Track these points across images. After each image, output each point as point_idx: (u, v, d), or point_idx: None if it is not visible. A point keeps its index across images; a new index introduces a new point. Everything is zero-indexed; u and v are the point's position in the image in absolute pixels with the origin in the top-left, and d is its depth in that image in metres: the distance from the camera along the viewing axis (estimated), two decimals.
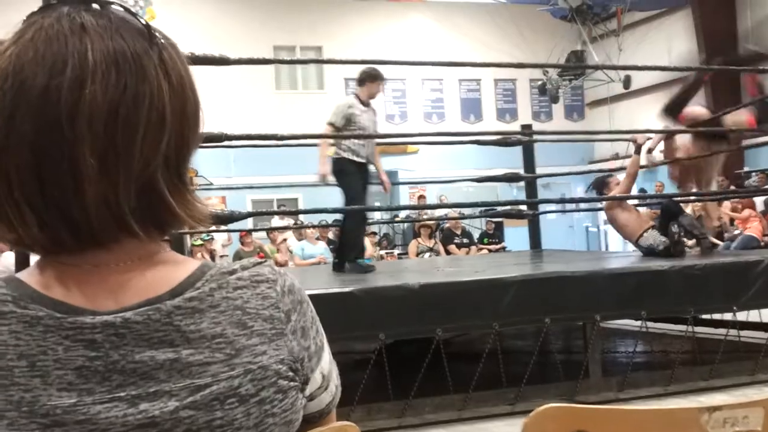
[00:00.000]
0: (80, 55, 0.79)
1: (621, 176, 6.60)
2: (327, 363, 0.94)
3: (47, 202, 0.79)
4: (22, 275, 0.83)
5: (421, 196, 15.74)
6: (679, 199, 6.97)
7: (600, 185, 6.69)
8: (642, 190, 16.50)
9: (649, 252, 6.02)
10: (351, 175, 6.09)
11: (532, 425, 1.03)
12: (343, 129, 6.02)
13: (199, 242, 11.94)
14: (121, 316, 0.80)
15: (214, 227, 10.76)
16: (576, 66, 16.31)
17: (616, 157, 17.87)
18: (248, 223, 13.37)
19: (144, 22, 0.84)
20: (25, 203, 0.79)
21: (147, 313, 0.81)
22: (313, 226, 12.12)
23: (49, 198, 0.79)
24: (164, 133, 0.82)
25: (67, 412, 0.75)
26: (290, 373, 0.86)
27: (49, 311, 0.79)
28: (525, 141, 7.38)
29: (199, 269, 0.87)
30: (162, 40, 0.85)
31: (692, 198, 7.86)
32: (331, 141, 6.16)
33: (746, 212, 11.96)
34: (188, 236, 12.40)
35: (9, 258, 7.91)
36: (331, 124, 6.11)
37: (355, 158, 6.09)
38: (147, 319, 0.80)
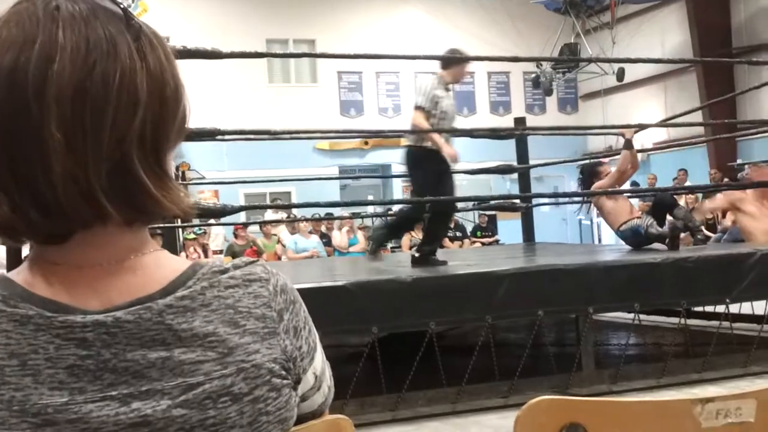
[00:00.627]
0: (50, 34, 0.78)
1: (613, 167, 6.55)
2: (320, 363, 0.94)
3: (17, 182, 0.78)
4: (12, 274, 0.83)
5: None
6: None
7: (589, 173, 6.56)
8: (634, 183, 16.54)
9: (633, 235, 5.92)
10: (430, 165, 5.50)
11: (526, 418, 1.03)
12: (428, 114, 5.50)
13: (192, 236, 11.93)
14: (112, 315, 0.79)
15: (208, 220, 10.76)
16: (569, 59, 16.30)
17: (610, 149, 17.89)
18: (241, 217, 13.35)
19: (122, 6, 0.84)
20: None
21: (138, 311, 0.80)
22: (307, 220, 12.11)
23: (19, 177, 0.78)
24: (137, 113, 0.80)
25: (59, 411, 0.75)
26: (283, 372, 0.86)
27: (39, 310, 0.78)
28: (518, 134, 7.38)
29: (190, 268, 0.86)
30: (141, 26, 0.84)
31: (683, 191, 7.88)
32: (425, 124, 5.47)
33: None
34: (180, 230, 12.43)
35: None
36: (420, 107, 5.50)
37: (434, 146, 5.47)
38: (138, 318, 0.80)
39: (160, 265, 0.86)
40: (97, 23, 0.80)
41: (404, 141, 5.84)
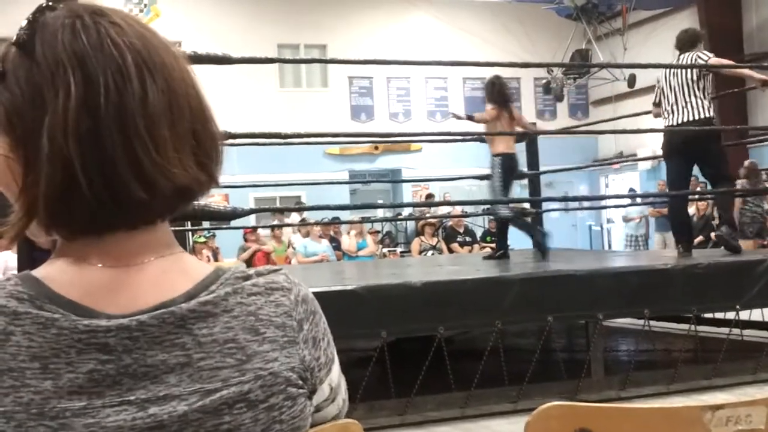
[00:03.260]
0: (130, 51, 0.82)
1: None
2: (336, 376, 0.94)
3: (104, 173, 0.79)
4: (39, 273, 0.83)
5: (429, 195, 15.72)
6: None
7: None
8: (631, 190, 16.50)
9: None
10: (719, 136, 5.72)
11: (535, 423, 1.03)
12: None
13: (202, 239, 11.93)
14: (136, 319, 0.79)
15: (221, 225, 10.77)
16: (581, 64, 16.27)
17: (620, 155, 17.86)
18: (251, 221, 13.37)
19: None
20: (78, 159, 0.78)
21: (162, 315, 0.80)
22: (316, 224, 12.10)
23: (106, 167, 0.79)
24: (191, 125, 0.86)
25: (77, 416, 0.75)
26: (300, 381, 0.86)
27: (65, 313, 0.78)
28: (528, 137, 7.37)
29: (213, 273, 0.87)
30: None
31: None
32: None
33: None
34: (190, 234, 12.44)
35: (7, 257, 7.89)
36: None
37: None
38: (161, 323, 0.80)
39: (184, 269, 0.86)
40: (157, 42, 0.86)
41: (683, 117, 5.78)
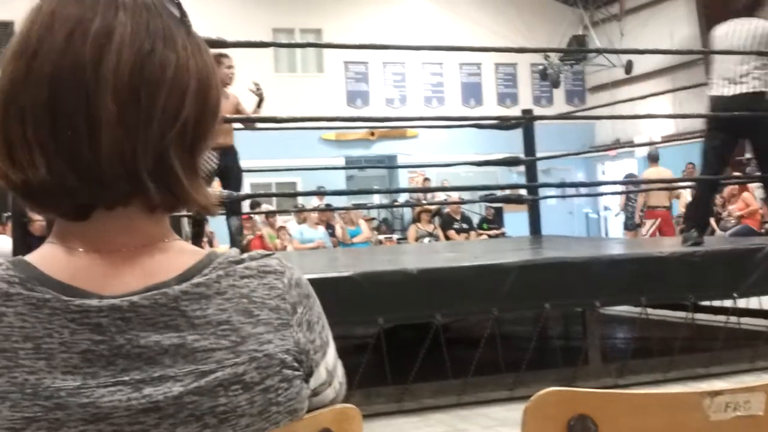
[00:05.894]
0: (111, 13, 0.82)
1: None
2: (332, 359, 0.94)
3: (58, 144, 0.79)
4: (30, 258, 0.83)
5: (426, 179, 15.72)
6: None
7: None
8: (630, 176, 16.48)
9: None
10: None
11: (534, 409, 1.02)
12: None
13: None
14: (128, 300, 0.80)
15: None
16: (577, 50, 16.26)
17: (617, 142, 17.88)
18: (246, 208, 13.34)
19: (177, 2, 0.87)
20: (36, 144, 0.79)
21: (154, 297, 0.80)
22: (315, 210, 12.10)
23: (61, 140, 0.79)
24: (183, 108, 0.83)
25: (71, 395, 0.75)
26: (295, 363, 0.86)
27: (56, 294, 0.79)
28: (524, 123, 7.36)
29: (206, 257, 0.87)
30: (191, 27, 0.89)
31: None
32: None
33: (752, 205, 11.83)
34: (187, 220, 12.42)
35: (3, 242, 7.91)
36: None
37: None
38: (154, 304, 0.80)
39: (178, 253, 0.87)
40: (156, 13, 0.84)
41: (739, 89, 5.35)
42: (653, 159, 11.96)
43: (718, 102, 5.48)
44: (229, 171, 6.24)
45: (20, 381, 0.75)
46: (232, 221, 6.26)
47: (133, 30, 0.81)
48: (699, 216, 5.75)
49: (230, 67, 6.00)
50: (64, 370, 0.76)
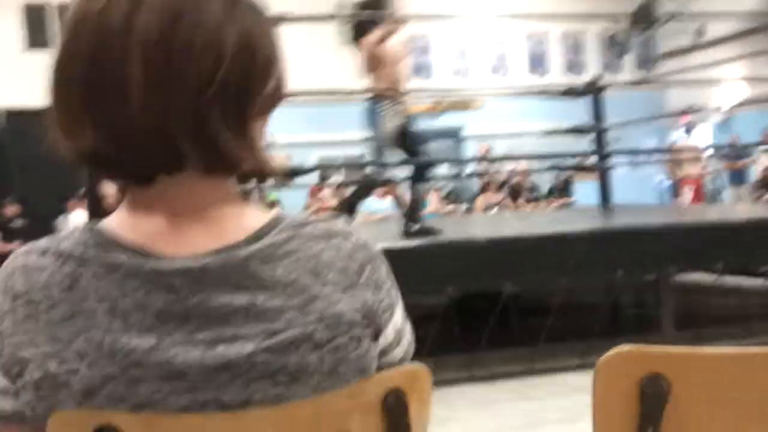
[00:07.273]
0: None
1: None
2: (400, 319, 0.95)
3: (97, 116, 0.81)
4: (103, 223, 0.86)
5: (487, 151, 15.56)
6: None
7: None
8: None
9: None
10: None
11: (606, 367, 1.02)
12: None
13: (273, 196, 12.02)
14: (199, 262, 0.81)
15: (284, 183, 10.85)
16: (647, 16, 15.78)
17: (690, 109, 17.38)
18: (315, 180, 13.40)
19: None
20: (81, 115, 0.82)
21: (224, 258, 0.82)
22: (383, 182, 12.05)
23: (96, 113, 0.81)
24: (220, 67, 0.81)
25: (147, 353, 0.78)
26: (364, 322, 0.87)
27: (130, 256, 0.81)
28: (593, 90, 7.22)
29: (274, 219, 0.88)
30: None
31: None
32: None
33: None
34: (258, 193, 12.54)
35: (79, 216, 8.13)
36: None
37: None
38: (224, 265, 0.82)
39: (245, 216, 0.88)
40: None
41: None
42: (689, 131, 12.24)
43: None
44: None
45: (97, 340, 0.78)
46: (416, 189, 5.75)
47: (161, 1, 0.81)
48: None
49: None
50: (139, 329, 0.78)
